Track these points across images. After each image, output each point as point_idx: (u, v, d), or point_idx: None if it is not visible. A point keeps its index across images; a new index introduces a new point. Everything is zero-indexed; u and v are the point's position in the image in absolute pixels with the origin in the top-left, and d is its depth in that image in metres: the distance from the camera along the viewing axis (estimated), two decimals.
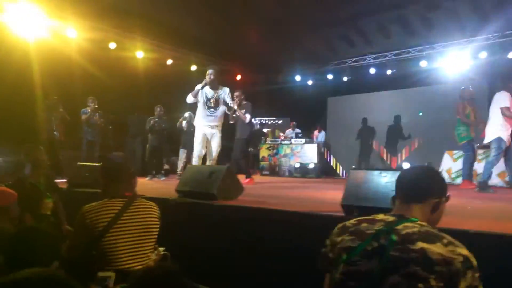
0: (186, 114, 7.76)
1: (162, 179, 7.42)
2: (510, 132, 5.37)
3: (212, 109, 5.28)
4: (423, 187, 1.48)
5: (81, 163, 5.03)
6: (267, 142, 9.81)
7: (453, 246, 1.25)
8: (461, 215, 2.99)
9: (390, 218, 1.41)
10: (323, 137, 11.09)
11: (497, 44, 8.32)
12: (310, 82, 11.54)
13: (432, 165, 7.76)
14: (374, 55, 9.92)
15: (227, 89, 5.40)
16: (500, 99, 5.31)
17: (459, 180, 7.55)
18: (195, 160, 5.34)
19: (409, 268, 1.21)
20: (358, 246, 1.34)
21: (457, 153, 7.81)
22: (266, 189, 5.55)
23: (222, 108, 5.40)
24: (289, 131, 10.71)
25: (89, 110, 7.46)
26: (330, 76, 10.93)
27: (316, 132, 11.13)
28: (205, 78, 5.24)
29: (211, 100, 5.28)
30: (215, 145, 5.31)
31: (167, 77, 9.07)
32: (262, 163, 9.68)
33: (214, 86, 5.27)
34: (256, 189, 4.45)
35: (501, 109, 5.27)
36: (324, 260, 1.47)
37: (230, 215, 3.28)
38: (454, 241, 1.28)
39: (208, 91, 5.26)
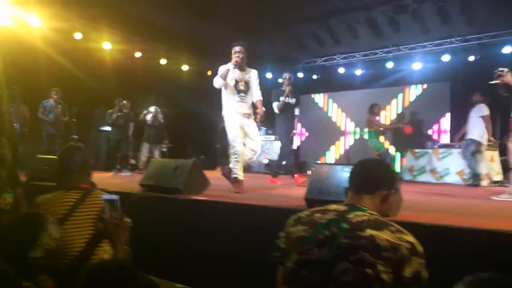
0: (152, 109, 7.63)
1: (127, 174, 7.27)
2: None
3: (243, 94, 4.39)
4: (373, 179, 1.53)
5: (40, 156, 4.86)
6: None
7: (400, 234, 1.30)
8: (417, 209, 3.11)
9: (342, 208, 1.45)
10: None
11: (460, 48, 8.67)
12: (281, 80, 11.59)
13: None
14: (343, 55, 10.10)
15: (255, 72, 4.54)
16: (482, 110, 6.50)
17: (420, 178, 7.87)
18: (238, 161, 4.32)
19: (358, 254, 1.24)
20: (310, 235, 1.37)
21: (419, 152, 8.11)
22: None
23: (256, 89, 4.54)
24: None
25: (51, 102, 7.20)
26: (300, 74, 11.04)
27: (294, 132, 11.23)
28: (232, 58, 4.33)
29: (241, 83, 4.39)
30: (258, 136, 4.51)
31: (135, 70, 8.87)
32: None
33: (242, 67, 4.40)
34: (222, 184, 4.45)
35: (483, 117, 6.42)
36: (277, 252, 1.49)
37: (195, 209, 3.27)
38: (402, 229, 1.33)
39: (235, 72, 4.37)
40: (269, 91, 5.75)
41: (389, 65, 9.58)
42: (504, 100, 4.43)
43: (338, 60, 10.22)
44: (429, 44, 8.91)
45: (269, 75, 11.62)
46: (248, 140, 4.43)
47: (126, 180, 5.96)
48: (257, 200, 3.51)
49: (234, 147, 4.33)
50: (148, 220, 3.32)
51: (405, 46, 9.18)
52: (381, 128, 7.49)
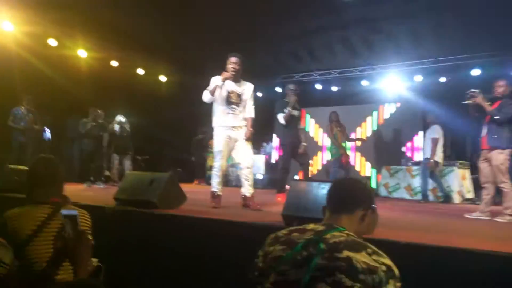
0: (120, 118, 7.49)
1: (101, 186, 7.07)
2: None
3: (234, 106, 4.20)
4: (351, 199, 1.54)
5: (10, 166, 4.67)
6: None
7: (377, 256, 1.31)
8: (393, 227, 3.17)
9: (320, 228, 1.45)
10: (271, 148, 11.24)
11: (431, 69, 9.01)
12: (260, 94, 11.70)
13: (366, 180, 8.26)
14: (320, 72, 10.30)
15: (252, 86, 4.36)
16: (434, 132, 6.92)
17: (396, 194, 8.04)
18: (218, 175, 4.20)
19: (335, 276, 1.24)
20: (288, 255, 1.36)
21: (394, 168, 8.30)
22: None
23: (249, 105, 4.33)
24: None
25: (22, 110, 6.98)
26: (278, 89, 11.17)
27: (264, 144, 11.27)
28: (227, 68, 4.20)
29: (232, 95, 4.21)
30: (246, 149, 4.20)
31: (111, 79, 8.73)
32: (208, 172, 9.59)
33: (237, 79, 4.24)
34: (200, 199, 4.39)
35: (432, 139, 6.84)
36: (255, 271, 1.47)
37: (171, 224, 3.20)
38: (378, 250, 1.34)
39: (228, 83, 4.19)
40: None
41: (364, 83, 9.83)
42: (474, 119, 4.63)
43: (315, 76, 10.42)
44: (402, 64, 9.23)
45: None
46: (237, 155, 4.26)
47: (100, 193, 5.79)
48: (234, 215, 3.48)
49: (216, 161, 4.21)
50: (122, 235, 3.24)
51: (379, 66, 9.48)
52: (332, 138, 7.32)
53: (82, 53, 8.28)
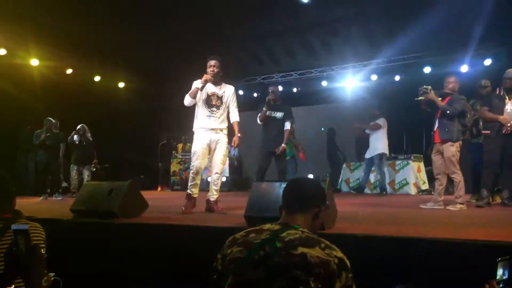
0: (78, 127, 7.25)
1: (59, 198, 6.80)
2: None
3: (214, 109, 4.19)
4: (305, 198, 1.59)
5: None
6: (178, 157, 9.62)
7: (329, 250, 1.35)
8: (353, 220, 3.27)
9: (276, 227, 1.48)
10: (236, 151, 11.24)
11: (386, 68, 9.37)
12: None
13: (318, 177, 8.49)
14: (281, 74, 10.44)
15: (232, 88, 4.35)
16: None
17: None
18: (193, 177, 4.17)
19: (292, 272, 1.27)
20: (245, 256, 1.38)
21: (354, 164, 8.55)
22: (175, 206, 5.37)
23: (232, 108, 4.33)
24: None
25: None
26: (241, 92, 11.21)
27: (229, 146, 11.24)
28: (206, 71, 4.15)
29: (213, 97, 4.20)
30: (220, 154, 4.19)
31: (66, 88, 8.42)
32: (173, 178, 9.47)
33: (217, 81, 4.23)
34: (164, 206, 4.32)
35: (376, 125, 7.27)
36: (214, 274, 1.48)
37: (133, 233, 3.13)
38: (331, 244, 1.39)
39: (208, 86, 4.18)
40: None
41: (324, 83, 10.07)
42: (427, 115, 4.85)
43: (277, 78, 10.54)
44: (359, 64, 9.53)
45: None
46: (211, 158, 4.23)
47: (57, 205, 5.57)
48: (197, 220, 3.46)
49: (192, 162, 4.20)
50: (81, 248, 3.14)
51: (337, 66, 9.74)
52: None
53: (35, 62, 7.93)
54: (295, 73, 10.28)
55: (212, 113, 4.18)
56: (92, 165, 7.45)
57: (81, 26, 7.20)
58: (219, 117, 4.21)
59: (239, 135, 4.27)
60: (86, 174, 7.23)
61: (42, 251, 1.78)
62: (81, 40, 7.74)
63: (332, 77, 10.01)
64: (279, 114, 5.58)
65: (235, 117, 4.36)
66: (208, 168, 4.58)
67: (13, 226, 1.64)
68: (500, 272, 1.33)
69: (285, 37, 8.39)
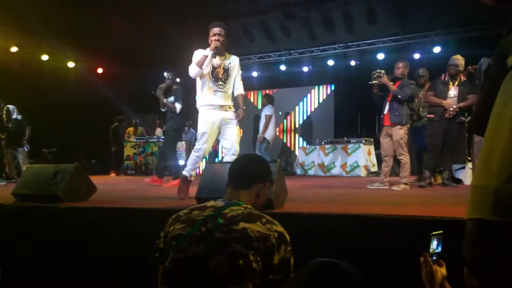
0: (10, 107, 6.81)
1: (2, 183, 6.42)
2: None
3: (221, 83, 3.70)
4: (249, 174, 1.60)
5: None
6: (132, 140, 9.34)
7: (270, 224, 1.38)
8: (303, 200, 3.35)
9: (220, 204, 1.48)
10: (192, 135, 11.08)
11: (342, 54, 9.56)
12: (178, 80, 11.42)
13: (281, 160, 8.67)
14: (241, 57, 10.35)
15: (237, 59, 3.84)
16: (266, 110, 7.42)
17: (311, 172, 8.53)
18: (197, 161, 3.75)
19: (231, 247, 1.28)
20: (187, 233, 1.37)
21: (309, 148, 8.76)
22: (126, 190, 5.23)
23: (238, 80, 3.85)
24: (159, 130, 10.38)
25: None
26: None
27: (186, 129, 11.05)
28: (210, 41, 3.66)
29: (218, 70, 3.70)
30: (235, 134, 3.70)
31: (10, 67, 7.88)
32: (127, 162, 9.20)
33: (221, 51, 3.68)
34: (115, 190, 4.19)
35: (266, 116, 7.32)
36: (156, 252, 1.47)
37: (79, 217, 3.03)
38: (272, 220, 1.41)
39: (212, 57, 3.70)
40: None
41: (282, 67, 10.12)
42: (377, 100, 5.01)
43: None
44: (316, 49, 9.64)
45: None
46: (223, 139, 3.75)
47: None
48: (148, 203, 3.39)
49: (199, 144, 3.70)
50: (24, 233, 2.99)
51: (295, 51, 9.80)
52: None
53: None
54: (254, 57, 10.26)
55: (219, 88, 3.70)
56: (24, 143, 6.99)
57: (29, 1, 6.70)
58: (226, 92, 3.75)
59: (244, 107, 3.83)
60: (20, 156, 6.90)
61: None
62: (27, 16, 7.20)
63: (291, 61, 10.10)
64: (170, 99, 5.80)
65: (239, 89, 3.89)
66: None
67: None
68: (433, 245, 1.42)
69: (244, 19, 8.30)
